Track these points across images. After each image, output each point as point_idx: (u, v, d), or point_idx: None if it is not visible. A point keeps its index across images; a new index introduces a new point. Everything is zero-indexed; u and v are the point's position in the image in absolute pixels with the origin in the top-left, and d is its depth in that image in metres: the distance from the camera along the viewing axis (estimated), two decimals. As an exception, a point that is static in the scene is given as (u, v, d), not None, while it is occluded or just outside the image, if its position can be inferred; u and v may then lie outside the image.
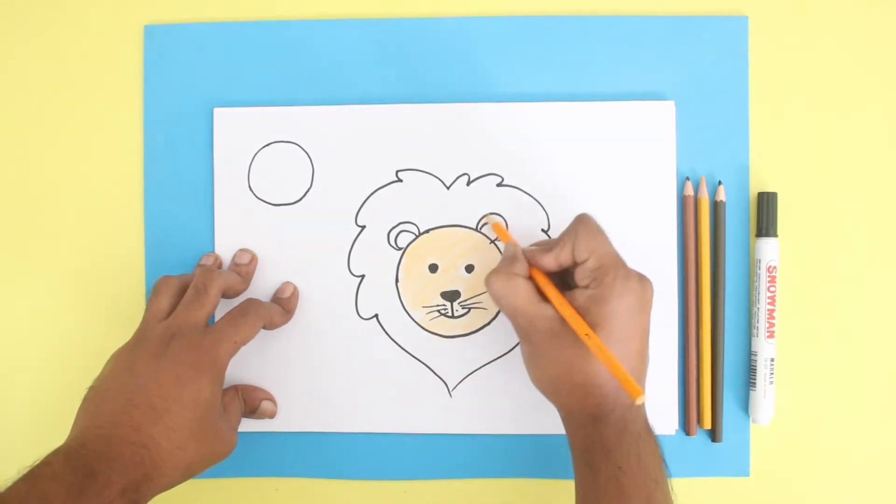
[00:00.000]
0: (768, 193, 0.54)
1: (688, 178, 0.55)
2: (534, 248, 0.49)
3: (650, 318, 0.47)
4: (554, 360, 0.46)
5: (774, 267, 0.54)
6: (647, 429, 0.46)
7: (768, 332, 0.54)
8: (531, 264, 0.48)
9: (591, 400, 0.45)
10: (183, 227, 0.56)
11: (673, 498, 0.45)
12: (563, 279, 0.48)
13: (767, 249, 0.54)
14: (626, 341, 0.45)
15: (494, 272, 0.48)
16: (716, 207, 0.55)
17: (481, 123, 0.55)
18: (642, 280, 0.47)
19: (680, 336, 0.55)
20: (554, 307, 0.46)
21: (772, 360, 0.54)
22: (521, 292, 0.47)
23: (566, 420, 0.48)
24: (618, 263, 0.46)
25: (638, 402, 0.42)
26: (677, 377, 0.55)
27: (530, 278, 0.48)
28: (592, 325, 0.45)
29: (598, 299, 0.45)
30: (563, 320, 0.46)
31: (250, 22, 0.56)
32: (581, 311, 0.45)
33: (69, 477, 0.41)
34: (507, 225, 0.55)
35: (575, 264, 0.47)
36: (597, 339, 0.44)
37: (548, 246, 0.48)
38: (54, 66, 0.57)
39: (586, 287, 0.46)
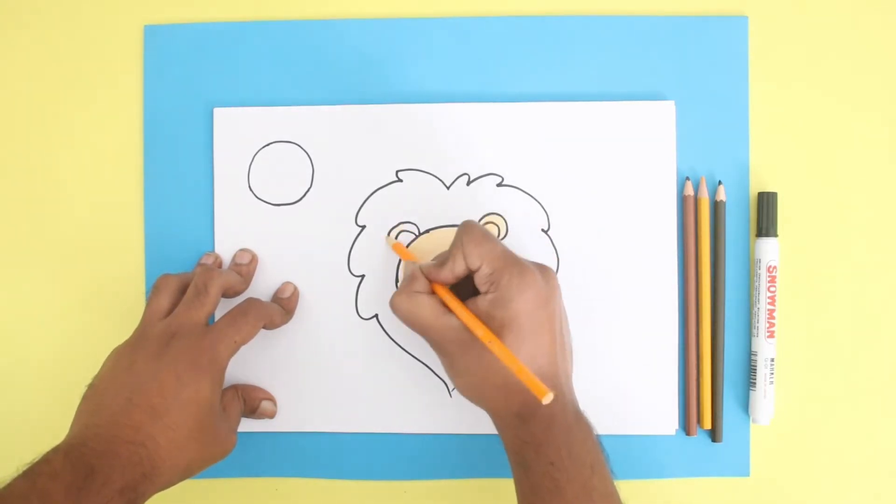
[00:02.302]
0: (768, 193, 0.54)
1: (688, 178, 0.55)
2: (431, 263, 0.49)
3: (559, 305, 0.48)
4: (470, 368, 0.47)
5: (774, 267, 0.54)
6: (578, 417, 0.46)
7: (768, 332, 0.54)
8: (431, 280, 0.48)
9: (514, 399, 0.46)
10: (183, 227, 0.56)
11: (612, 477, 0.45)
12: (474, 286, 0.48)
13: (767, 249, 0.54)
14: (535, 336, 0.45)
15: (396, 294, 0.49)
16: (716, 207, 0.55)
17: (481, 123, 0.55)
18: (542, 271, 0.47)
19: (680, 336, 0.55)
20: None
21: (772, 360, 0.54)
22: (425, 308, 0.47)
23: (495, 422, 0.48)
24: (510, 262, 0.46)
25: (545, 401, 0.42)
26: (677, 377, 0.55)
27: (433, 293, 0.48)
28: (499, 328, 0.45)
29: (499, 302, 0.45)
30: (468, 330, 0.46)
31: (250, 22, 0.57)
32: (486, 317, 0.46)
33: (69, 475, 0.41)
34: (506, 225, 0.55)
35: (471, 272, 0.47)
36: (498, 344, 0.44)
37: (442, 259, 0.48)
38: (54, 66, 0.57)
39: (486, 292, 0.46)
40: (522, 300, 0.45)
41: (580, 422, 0.46)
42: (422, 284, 0.48)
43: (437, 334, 0.47)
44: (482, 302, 0.46)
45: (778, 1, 0.56)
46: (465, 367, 0.47)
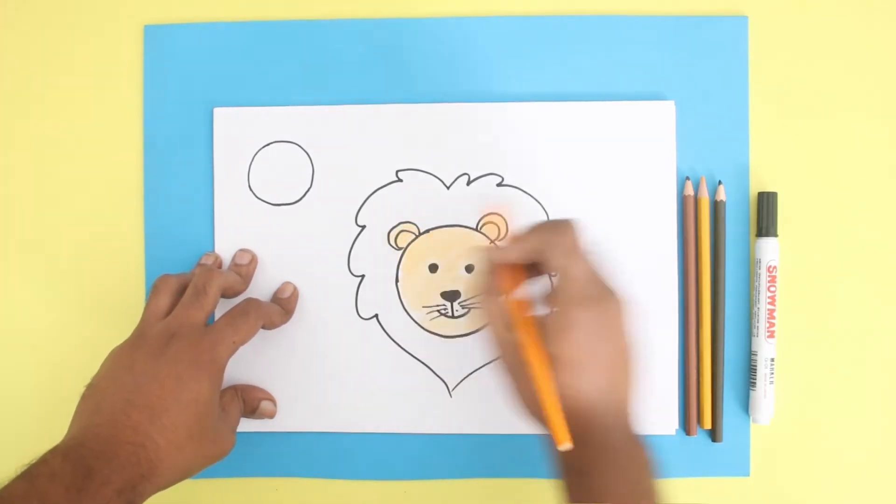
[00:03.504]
0: (768, 193, 0.54)
1: (688, 178, 0.55)
2: (501, 246, 0.46)
3: (625, 338, 0.44)
4: (529, 387, 0.44)
5: (774, 267, 0.54)
6: (634, 442, 0.44)
7: (768, 332, 0.54)
8: (493, 261, 0.45)
9: (571, 423, 0.43)
10: (183, 227, 0.56)
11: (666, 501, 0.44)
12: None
13: (767, 249, 0.54)
14: (590, 373, 0.43)
15: (486, 293, 0.46)
16: (716, 207, 0.55)
17: (481, 123, 0.55)
18: (610, 300, 0.44)
19: (680, 336, 0.55)
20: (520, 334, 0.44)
21: (772, 360, 0.54)
22: (498, 320, 0.45)
23: (548, 442, 0.45)
24: (587, 283, 0.43)
25: (561, 448, 0.41)
26: (677, 377, 0.55)
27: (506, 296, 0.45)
28: (554, 354, 0.42)
29: (560, 326, 0.42)
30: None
31: (250, 22, 0.57)
32: (546, 337, 0.43)
33: (68, 476, 0.41)
34: (507, 225, 0.55)
35: (549, 272, 0.45)
36: (542, 370, 0.42)
37: (514, 239, 0.45)
38: (54, 66, 0.57)
39: (551, 313, 0.44)
40: (585, 326, 0.42)
41: (637, 447, 0.44)
42: (493, 297, 0.45)
43: (500, 348, 0.45)
44: (547, 319, 0.44)
45: (778, 1, 0.56)
46: (523, 385, 0.44)
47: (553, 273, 0.45)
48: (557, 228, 0.44)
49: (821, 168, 0.56)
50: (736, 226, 0.55)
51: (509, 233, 0.47)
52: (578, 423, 0.43)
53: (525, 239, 0.45)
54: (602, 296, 0.43)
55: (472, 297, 0.55)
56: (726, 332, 0.55)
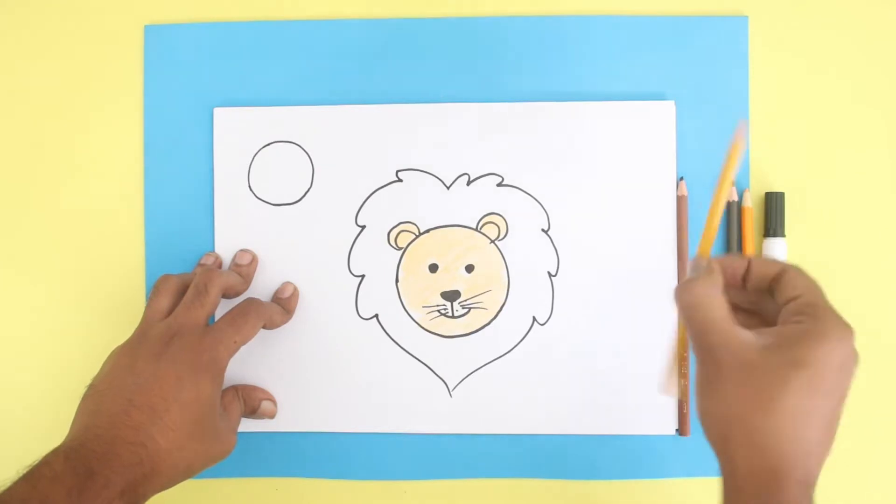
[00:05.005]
0: (776, 193, 0.54)
1: (682, 179, 0.55)
2: (730, 255, 0.44)
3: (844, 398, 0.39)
4: (736, 395, 0.38)
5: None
6: None
7: None
8: (723, 266, 0.42)
9: (768, 456, 0.37)
10: (183, 227, 0.56)
11: None
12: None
13: (776, 250, 0.54)
14: (825, 397, 0.38)
15: (691, 280, 0.41)
16: (728, 208, 0.55)
17: (481, 123, 0.55)
18: (852, 336, 0.39)
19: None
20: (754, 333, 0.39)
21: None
22: (719, 306, 0.40)
23: (726, 479, 0.39)
24: (831, 307, 0.40)
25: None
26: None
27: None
28: (788, 365, 0.37)
29: (812, 335, 0.38)
30: (762, 351, 0.38)
31: (250, 22, 0.56)
32: (784, 343, 0.38)
33: (69, 478, 0.41)
34: (507, 225, 0.55)
35: (787, 300, 0.41)
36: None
37: (745, 257, 0.43)
38: (54, 66, 0.57)
39: (797, 323, 0.39)
40: (836, 349, 0.38)
41: None
42: (720, 280, 0.41)
43: (720, 340, 0.39)
44: (785, 329, 0.39)
45: (778, 1, 0.56)
46: (730, 391, 0.38)
47: (795, 295, 0.40)
48: (789, 263, 0.42)
49: (821, 167, 0.56)
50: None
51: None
52: (786, 460, 0.37)
53: (758, 259, 0.43)
54: (848, 325, 0.39)
55: (472, 297, 0.55)
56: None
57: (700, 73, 0.55)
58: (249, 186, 0.56)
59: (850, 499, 0.55)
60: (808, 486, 0.38)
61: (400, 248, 0.56)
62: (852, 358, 0.39)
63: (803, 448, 0.38)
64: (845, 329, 0.39)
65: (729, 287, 0.42)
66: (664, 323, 0.54)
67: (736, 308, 0.42)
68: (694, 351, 0.41)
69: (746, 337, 0.39)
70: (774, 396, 0.37)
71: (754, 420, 0.38)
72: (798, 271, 0.41)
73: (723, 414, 0.39)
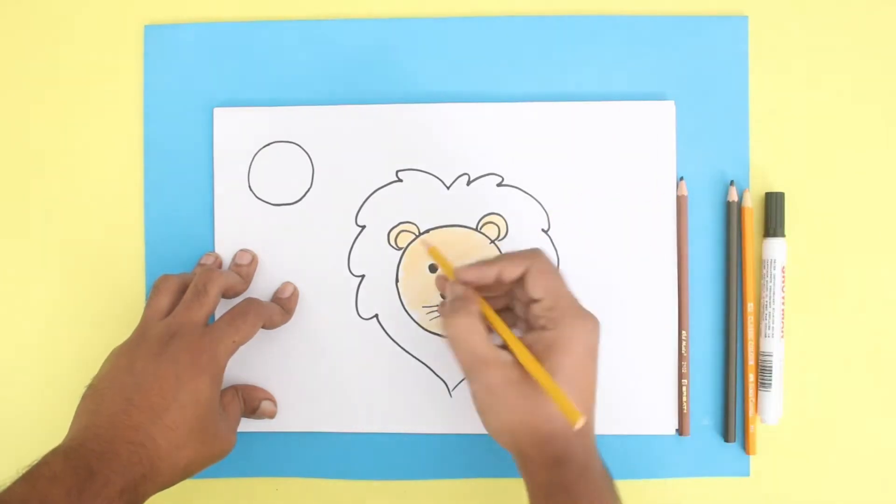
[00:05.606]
0: (776, 193, 0.54)
1: (681, 179, 0.55)
2: (470, 263, 0.47)
3: (597, 359, 0.47)
4: (513, 407, 0.45)
5: (783, 267, 0.54)
6: (605, 469, 0.46)
7: (782, 332, 0.54)
8: (462, 280, 0.47)
9: (554, 444, 0.44)
10: (183, 227, 0.56)
11: None
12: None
13: (776, 250, 0.54)
14: (580, 384, 0.45)
15: (453, 312, 0.46)
16: (728, 208, 0.55)
17: (481, 123, 0.55)
18: (594, 321, 0.46)
19: (679, 336, 0.55)
20: (509, 349, 0.45)
21: (780, 360, 0.54)
22: (478, 333, 0.45)
23: (523, 465, 0.46)
24: (572, 304, 0.46)
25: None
26: (677, 377, 0.55)
27: (483, 317, 0.46)
28: (547, 369, 0.44)
29: (558, 343, 0.45)
30: (521, 367, 0.44)
31: (250, 22, 0.56)
32: (534, 353, 0.44)
33: (69, 478, 0.41)
34: (506, 225, 0.55)
35: (530, 301, 0.46)
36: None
37: (486, 261, 0.47)
38: (54, 66, 0.57)
39: (543, 328, 0.45)
40: (578, 346, 0.45)
41: (607, 475, 0.45)
42: (474, 309, 0.46)
43: (483, 366, 0.45)
44: (534, 337, 0.45)
45: (778, 1, 0.56)
46: (505, 405, 0.45)
47: (536, 298, 0.45)
48: (534, 253, 0.47)
49: (822, 167, 0.56)
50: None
51: (477, 259, 0.47)
52: (569, 442, 0.44)
53: (505, 259, 0.46)
54: (587, 315, 0.46)
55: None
56: (726, 333, 0.55)
57: (700, 73, 0.55)
58: (249, 186, 0.56)
59: (851, 498, 0.55)
60: (588, 451, 0.45)
61: (400, 248, 0.56)
62: (595, 335, 0.46)
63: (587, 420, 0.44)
64: (584, 323, 0.45)
65: (489, 290, 0.47)
66: (664, 323, 0.54)
67: (505, 309, 0.49)
68: (466, 377, 0.47)
69: (506, 357, 0.45)
70: (542, 403, 0.44)
71: (533, 424, 0.44)
72: (539, 271, 0.46)
73: (506, 423, 0.46)
